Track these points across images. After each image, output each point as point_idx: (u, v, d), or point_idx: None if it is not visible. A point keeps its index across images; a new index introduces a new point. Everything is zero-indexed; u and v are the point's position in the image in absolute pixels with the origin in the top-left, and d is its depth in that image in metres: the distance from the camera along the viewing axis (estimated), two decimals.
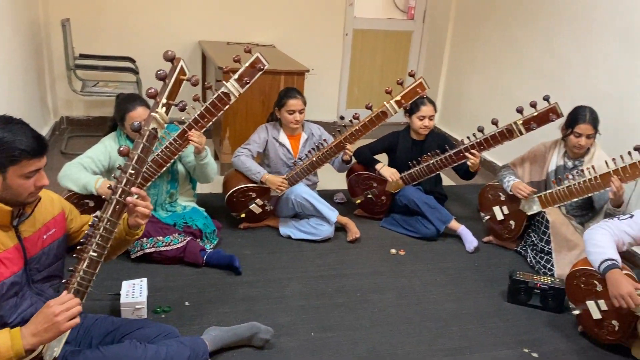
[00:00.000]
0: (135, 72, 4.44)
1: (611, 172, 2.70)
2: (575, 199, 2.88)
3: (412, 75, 2.95)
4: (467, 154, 3.13)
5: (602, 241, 2.37)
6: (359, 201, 3.49)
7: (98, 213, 1.60)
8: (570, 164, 3.09)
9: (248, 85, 2.67)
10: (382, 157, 3.51)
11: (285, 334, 2.36)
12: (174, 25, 4.85)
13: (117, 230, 1.63)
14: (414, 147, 3.43)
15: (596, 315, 2.37)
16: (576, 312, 2.47)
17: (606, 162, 2.76)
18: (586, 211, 3.12)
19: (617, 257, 2.32)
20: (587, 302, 2.40)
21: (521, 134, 3.01)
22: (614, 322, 2.34)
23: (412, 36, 5.69)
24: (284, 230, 3.23)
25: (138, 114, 2.65)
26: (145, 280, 2.49)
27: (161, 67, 1.64)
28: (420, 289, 2.80)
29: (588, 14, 3.53)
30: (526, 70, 4.16)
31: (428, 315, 2.59)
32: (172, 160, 2.74)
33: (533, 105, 2.94)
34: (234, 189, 3.14)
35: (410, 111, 3.35)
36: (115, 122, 2.81)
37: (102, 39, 4.74)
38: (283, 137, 3.25)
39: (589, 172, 2.79)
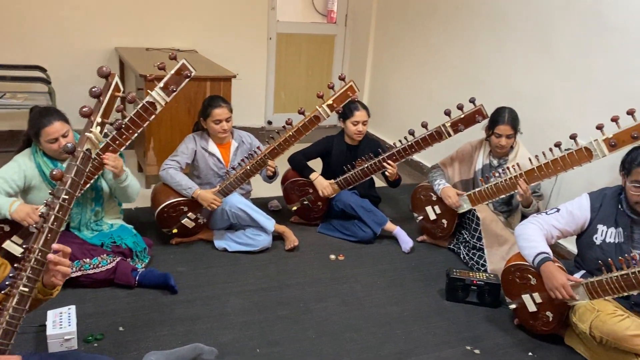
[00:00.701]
0: (47, 82, 4.14)
1: (517, 175, 2.84)
2: (503, 196, 2.99)
3: (342, 78, 2.95)
4: (384, 164, 3.18)
5: (533, 236, 2.48)
6: (295, 208, 3.44)
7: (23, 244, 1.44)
8: (495, 162, 3.21)
9: (174, 94, 2.56)
10: (317, 163, 3.49)
11: (230, 353, 2.27)
12: (87, 31, 4.56)
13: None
14: (348, 151, 3.43)
15: (532, 307, 2.47)
16: (513, 306, 2.56)
17: (530, 160, 2.88)
18: (512, 207, 3.26)
19: (549, 250, 2.43)
20: (523, 296, 2.49)
21: (449, 135, 3.09)
22: (548, 313, 2.44)
23: (335, 40, 5.72)
24: (219, 243, 3.12)
25: (55, 129, 2.45)
26: (73, 307, 2.31)
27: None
28: (362, 294, 2.80)
29: (504, 16, 3.69)
30: (448, 72, 4.29)
31: (372, 320, 2.59)
32: (94, 178, 2.57)
33: (460, 107, 3.03)
34: (164, 204, 2.99)
35: (344, 116, 3.34)
36: (29, 138, 2.59)
37: (8, 47, 4.37)
38: (212, 147, 3.14)
39: (514, 169, 2.91)
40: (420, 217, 3.37)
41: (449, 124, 3.06)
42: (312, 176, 3.33)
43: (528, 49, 3.51)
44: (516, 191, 2.90)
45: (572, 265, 2.63)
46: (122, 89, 1.53)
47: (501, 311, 2.74)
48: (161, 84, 2.52)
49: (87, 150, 1.45)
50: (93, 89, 1.48)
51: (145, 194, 3.25)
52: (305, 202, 3.39)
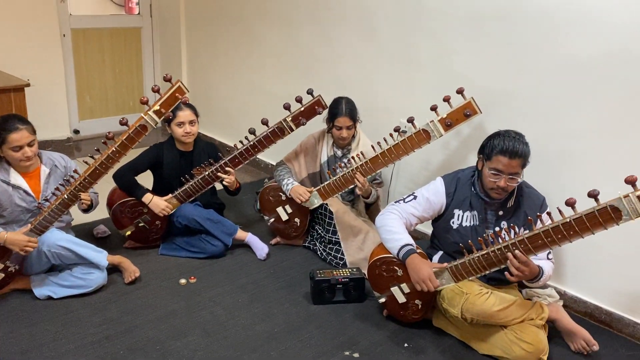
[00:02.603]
0: None
1: (353, 169, 2.81)
2: (352, 186, 2.93)
3: (168, 80, 2.56)
4: (219, 174, 2.92)
5: (395, 227, 2.43)
6: (128, 232, 2.98)
7: None
8: (339, 152, 3.14)
9: None
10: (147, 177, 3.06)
11: None
12: None
13: None
14: (182, 159, 3.07)
15: (401, 299, 2.44)
16: (382, 300, 2.50)
17: (372, 147, 2.84)
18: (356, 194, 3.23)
19: (412, 240, 2.41)
20: (392, 288, 2.45)
21: (292, 130, 2.92)
22: (417, 301, 2.43)
23: (142, 33, 5.18)
24: (41, 290, 2.56)
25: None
26: None
27: None
28: (225, 318, 2.52)
29: (327, 4, 3.60)
30: (277, 64, 4.11)
31: (242, 347, 2.33)
32: None
33: (298, 100, 2.87)
34: None
35: (168, 120, 2.97)
36: None
37: None
38: (16, 177, 2.53)
39: (359, 158, 2.85)
40: (272, 219, 3.17)
41: (290, 118, 2.89)
42: (145, 199, 2.90)
43: (354, 37, 3.48)
44: (353, 185, 2.86)
45: (428, 246, 2.66)
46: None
47: (368, 304, 2.69)
48: None
49: None
50: None
51: None
52: (141, 224, 2.96)
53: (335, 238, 3.00)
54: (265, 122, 2.88)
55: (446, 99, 2.66)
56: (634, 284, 2.51)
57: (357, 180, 2.82)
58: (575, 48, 2.48)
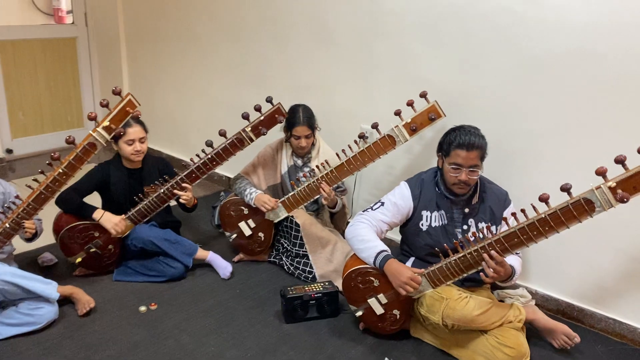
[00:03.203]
0: None
1: (318, 179, 2.71)
2: (317, 196, 2.82)
3: (117, 93, 2.37)
4: (175, 191, 2.75)
5: (367, 235, 2.35)
6: (79, 259, 2.74)
7: None
8: (300, 162, 3.03)
9: None
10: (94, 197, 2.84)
11: None
12: None
13: None
14: (131, 178, 2.86)
15: (379, 310, 2.35)
16: (359, 313, 2.41)
17: (337, 155, 2.75)
18: (320, 204, 3.13)
19: (386, 247, 2.33)
20: (369, 300, 2.35)
21: (252, 140, 2.79)
22: (395, 311, 2.35)
23: (78, 43, 4.87)
24: None
25: None
26: None
27: None
28: (193, 346, 2.34)
29: (279, 10, 3.48)
30: (231, 73, 3.93)
31: None
32: None
33: (257, 109, 2.74)
34: None
35: (116, 137, 2.75)
36: None
37: None
38: None
39: (324, 167, 2.75)
40: (234, 235, 3.01)
41: (249, 128, 2.75)
42: (96, 215, 2.69)
43: (309, 43, 3.37)
44: (318, 195, 2.76)
45: (399, 253, 2.60)
46: None
47: (342, 319, 2.59)
48: None
49: None
50: None
51: None
52: (93, 249, 2.73)
53: (302, 251, 2.88)
54: (223, 134, 2.73)
55: (409, 103, 2.61)
56: (601, 277, 2.53)
57: (323, 190, 2.71)
58: (534, 46, 2.48)
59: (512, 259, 2.27)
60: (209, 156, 2.75)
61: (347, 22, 3.15)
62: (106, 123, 2.37)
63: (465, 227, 2.38)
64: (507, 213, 2.38)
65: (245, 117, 2.72)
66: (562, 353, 2.39)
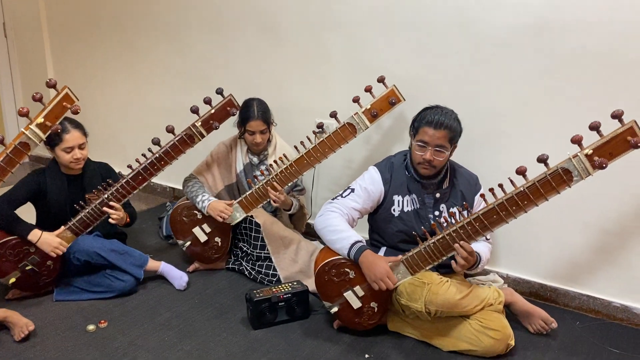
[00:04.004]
0: None
1: (277, 174, 2.55)
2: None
3: (51, 86, 2.10)
4: (104, 208, 2.49)
5: (340, 225, 2.21)
6: (13, 280, 2.41)
7: None
8: (256, 159, 2.86)
9: None
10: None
11: None
12: None
13: None
14: (71, 185, 2.58)
15: (356, 304, 2.19)
16: (335, 309, 2.24)
17: (295, 147, 2.60)
18: None
19: (360, 237, 2.19)
20: (345, 294, 2.19)
21: (202, 136, 2.59)
22: (372, 304, 2.20)
23: None
24: None
25: None
26: None
27: None
28: None
29: (223, 9, 3.31)
30: (168, 76, 3.71)
31: None
32: None
33: (207, 101, 2.55)
34: None
35: (52, 143, 2.47)
36: None
37: None
38: None
39: (282, 162, 2.59)
40: (188, 243, 2.77)
41: (200, 122, 2.55)
42: (32, 237, 2.36)
43: (256, 40, 3.22)
44: (268, 199, 2.59)
45: (368, 244, 2.46)
46: None
47: (314, 319, 2.41)
48: None
49: None
50: None
51: None
52: (29, 267, 2.41)
53: (264, 253, 2.69)
54: (170, 130, 2.52)
55: (368, 89, 2.52)
56: (573, 253, 2.51)
57: (271, 192, 2.55)
58: (491, 25, 2.45)
59: (480, 246, 2.21)
60: (157, 155, 2.52)
61: (294, 15, 3.03)
62: (40, 120, 2.11)
63: (437, 212, 2.28)
64: (477, 197, 2.31)
65: (195, 110, 2.52)
66: (540, 335, 2.32)
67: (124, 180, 2.50)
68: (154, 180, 3.91)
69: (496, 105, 2.53)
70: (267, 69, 3.22)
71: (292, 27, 3.06)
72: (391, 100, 2.52)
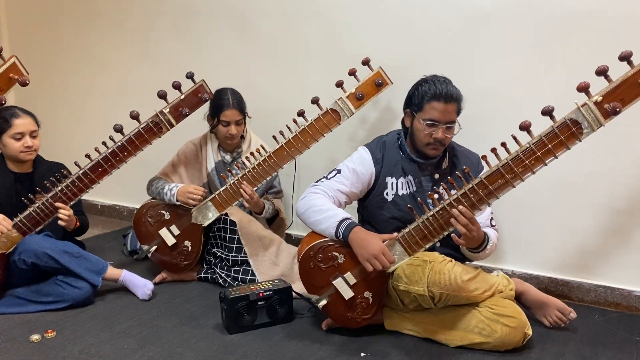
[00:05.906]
0: None
1: (255, 167, 2.32)
2: (255, 188, 2.39)
3: None
4: (56, 203, 2.20)
5: (325, 205, 1.95)
6: None
7: None
8: (228, 157, 2.61)
9: None
10: None
11: None
12: None
13: None
14: (18, 182, 2.29)
15: (348, 293, 1.89)
16: (323, 302, 1.92)
17: (274, 137, 2.37)
18: None
19: (348, 214, 1.93)
20: (334, 282, 1.90)
21: (171, 125, 2.33)
22: (366, 293, 1.91)
23: None
24: None
25: None
26: None
27: None
28: None
29: (193, 11, 3.15)
30: (129, 85, 3.49)
31: None
32: None
33: (176, 86, 2.31)
34: None
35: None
36: None
37: None
38: None
39: (260, 154, 2.35)
40: (154, 248, 2.46)
41: (168, 109, 2.31)
42: None
43: (228, 41, 3.04)
44: (241, 199, 2.35)
45: None
46: None
47: (299, 323, 2.10)
48: None
49: None
50: None
51: None
52: None
53: (241, 256, 2.39)
54: (135, 116, 2.27)
55: (352, 72, 2.35)
56: (583, 240, 2.27)
57: (244, 191, 2.30)
58: None
59: (487, 229, 1.95)
60: (119, 144, 2.25)
61: (263, 9, 2.88)
62: None
63: (436, 195, 2.03)
64: None
65: (162, 95, 2.28)
66: (558, 329, 2.03)
67: (81, 172, 2.21)
68: (121, 203, 3.65)
69: (486, 83, 2.36)
70: (242, 69, 3.02)
71: (263, 24, 2.90)
72: (377, 81, 2.34)
